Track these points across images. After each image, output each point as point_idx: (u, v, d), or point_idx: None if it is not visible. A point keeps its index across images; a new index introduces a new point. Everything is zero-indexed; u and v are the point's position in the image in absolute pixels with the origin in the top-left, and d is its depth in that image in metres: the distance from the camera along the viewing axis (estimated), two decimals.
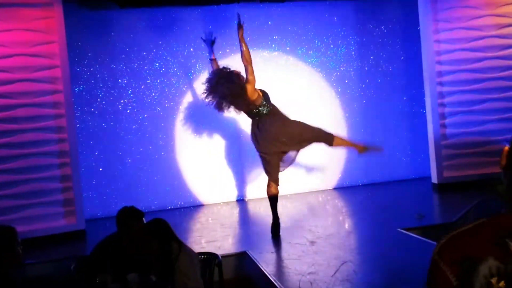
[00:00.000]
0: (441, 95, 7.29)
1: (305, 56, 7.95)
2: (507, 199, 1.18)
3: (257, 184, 7.25)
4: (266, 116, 5.49)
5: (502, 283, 1.07)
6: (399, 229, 5.21)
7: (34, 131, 6.16)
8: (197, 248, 4.81)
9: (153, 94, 7.49)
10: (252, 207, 7.29)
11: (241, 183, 7.71)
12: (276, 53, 7.85)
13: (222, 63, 7.48)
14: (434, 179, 7.30)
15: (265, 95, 5.57)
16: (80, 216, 6.26)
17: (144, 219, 3.64)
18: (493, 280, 1.07)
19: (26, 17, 6.20)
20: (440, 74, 7.28)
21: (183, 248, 3.44)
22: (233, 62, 7.53)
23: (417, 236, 4.98)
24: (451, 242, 1.14)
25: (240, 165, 7.64)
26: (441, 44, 7.27)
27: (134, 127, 7.41)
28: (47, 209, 6.14)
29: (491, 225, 1.14)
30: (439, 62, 7.27)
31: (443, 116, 7.29)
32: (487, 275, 1.07)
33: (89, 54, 7.24)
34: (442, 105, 7.29)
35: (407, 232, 5.13)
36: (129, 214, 3.69)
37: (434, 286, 1.14)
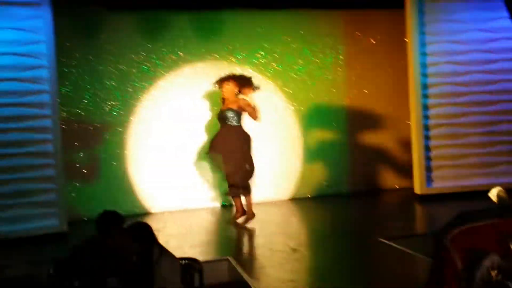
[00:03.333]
0: (426, 107, 7.37)
1: (294, 64, 7.99)
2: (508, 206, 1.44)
3: None
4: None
5: (499, 277, 1.29)
6: (380, 239, 5.25)
7: (18, 131, 6.11)
8: (179, 253, 4.80)
9: (140, 97, 7.48)
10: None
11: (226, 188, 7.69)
12: (264, 60, 7.89)
13: (207, 66, 7.59)
14: (417, 190, 7.37)
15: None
16: (63, 217, 6.20)
17: (124, 224, 3.63)
18: (493, 273, 1.30)
19: (14, 16, 6.15)
20: (426, 86, 7.37)
21: (164, 252, 3.44)
22: (217, 68, 7.63)
23: (397, 246, 5.01)
24: (463, 233, 1.38)
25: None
26: (428, 56, 7.36)
27: (120, 130, 7.39)
28: (29, 210, 6.08)
29: (497, 226, 1.38)
30: (425, 75, 7.36)
31: (427, 128, 7.37)
32: (489, 267, 1.31)
33: (77, 56, 7.21)
34: (427, 117, 7.37)
35: (388, 242, 5.16)
36: (109, 218, 3.67)
37: (440, 266, 1.34)
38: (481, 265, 1.26)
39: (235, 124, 6.31)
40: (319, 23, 8.07)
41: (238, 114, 6.33)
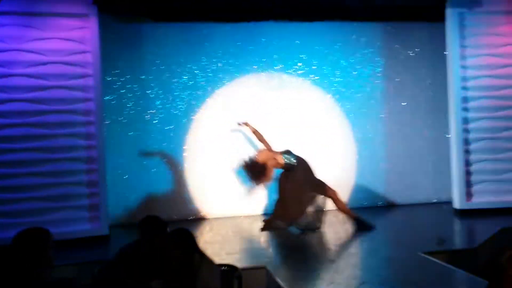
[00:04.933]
0: (466, 120, 7.28)
1: (330, 75, 8.03)
2: None
3: None
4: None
5: None
6: (419, 253, 5.20)
7: (64, 137, 6.35)
8: (217, 260, 4.87)
9: (180, 107, 7.63)
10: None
11: (263, 197, 7.75)
12: (301, 71, 7.95)
13: (248, 78, 7.67)
14: (456, 205, 7.27)
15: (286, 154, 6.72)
16: (105, 221, 6.39)
17: (166, 229, 3.71)
18: None
19: (62, 27, 6.41)
20: (466, 99, 7.29)
21: (204, 258, 3.51)
22: (257, 79, 7.73)
23: (437, 261, 4.96)
24: None
25: None
26: (468, 70, 7.28)
27: (160, 137, 7.56)
28: (73, 213, 6.30)
29: None
30: (465, 88, 7.28)
31: (467, 141, 7.28)
32: None
33: (120, 65, 7.43)
34: (466, 130, 7.28)
35: (427, 256, 5.11)
36: (152, 223, 3.77)
37: (499, 286, 1.27)
38: None
39: None
40: (357, 35, 8.09)
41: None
